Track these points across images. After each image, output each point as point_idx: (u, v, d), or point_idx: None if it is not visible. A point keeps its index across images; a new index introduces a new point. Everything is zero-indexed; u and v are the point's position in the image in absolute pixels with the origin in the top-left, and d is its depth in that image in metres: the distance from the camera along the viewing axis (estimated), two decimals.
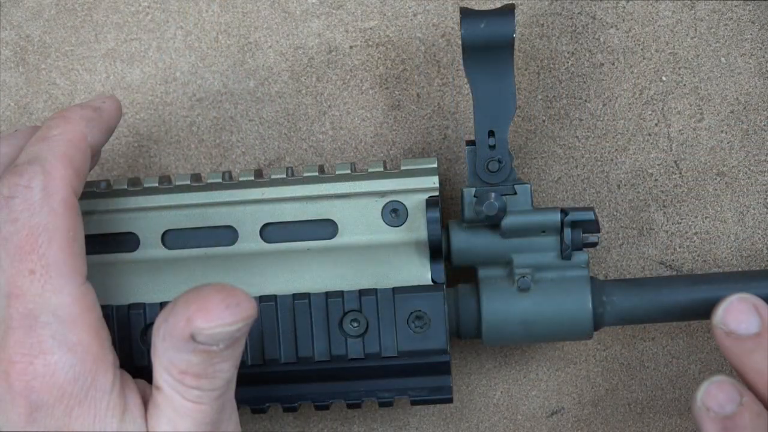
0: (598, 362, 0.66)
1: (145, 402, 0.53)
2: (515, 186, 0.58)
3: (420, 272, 0.58)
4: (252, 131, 0.65)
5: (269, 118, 0.65)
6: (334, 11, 0.64)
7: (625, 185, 0.65)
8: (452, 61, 0.64)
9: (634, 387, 0.66)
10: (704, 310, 0.59)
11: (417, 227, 0.58)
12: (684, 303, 0.59)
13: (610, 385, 0.66)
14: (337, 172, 0.59)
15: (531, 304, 0.58)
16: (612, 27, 0.64)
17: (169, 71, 0.65)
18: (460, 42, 0.61)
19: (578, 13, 0.64)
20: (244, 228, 0.59)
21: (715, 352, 0.65)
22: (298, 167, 0.65)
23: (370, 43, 0.64)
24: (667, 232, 0.65)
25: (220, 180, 0.59)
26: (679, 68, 0.64)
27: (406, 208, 0.58)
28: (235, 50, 0.65)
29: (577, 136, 0.64)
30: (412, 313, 0.57)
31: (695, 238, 0.65)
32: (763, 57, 0.64)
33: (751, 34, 0.64)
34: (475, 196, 0.58)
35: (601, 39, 0.64)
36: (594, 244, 0.59)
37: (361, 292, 0.57)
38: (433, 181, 0.58)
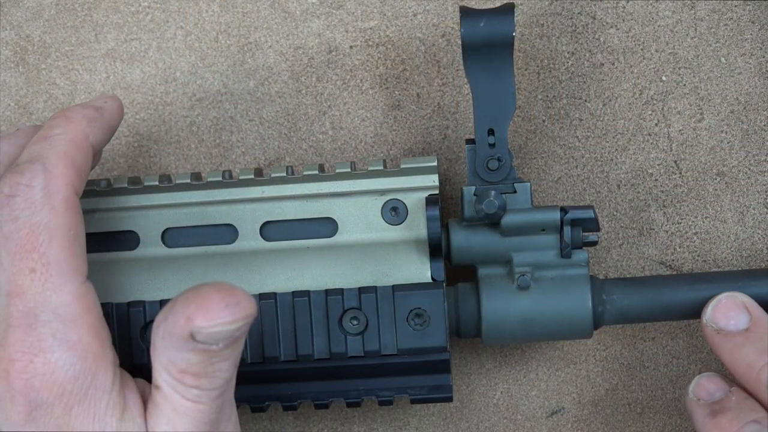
0: (598, 362, 0.66)
1: (145, 401, 0.53)
2: (515, 184, 0.58)
3: (420, 270, 0.58)
4: (252, 131, 0.65)
5: (269, 118, 0.65)
6: (334, 11, 0.64)
7: (625, 185, 0.65)
8: (452, 61, 0.64)
9: (634, 387, 0.66)
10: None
11: (417, 225, 0.58)
12: (684, 302, 0.59)
13: (610, 385, 0.66)
14: (336, 171, 0.59)
15: (531, 302, 0.58)
16: (612, 27, 0.64)
17: (169, 71, 0.65)
18: (460, 42, 0.61)
19: (578, 13, 0.64)
20: (244, 226, 0.59)
21: None
22: (298, 167, 0.65)
23: (370, 43, 0.65)
24: (667, 232, 0.65)
25: (220, 178, 0.59)
26: (679, 68, 0.64)
27: (406, 207, 0.58)
28: (235, 50, 0.65)
29: (577, 136, 0.64)
30: (411, 310, 0.57)
31: (695, 238, 0.65)
32: (763, 57, 0.64)
33: (751, 34, 0.64)
34: (474, 194, 0.58)
35: (601, 39, 0.64)
36: (594, 243, 0.59)
37: (361, 290, 0.57)
38: (433, 180, 0.58)
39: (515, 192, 0.58)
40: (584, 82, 0.64)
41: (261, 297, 0.58)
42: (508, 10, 0.56)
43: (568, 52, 0.64)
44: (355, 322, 0.58)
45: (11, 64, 0.65)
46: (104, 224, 0.59)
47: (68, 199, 0.52)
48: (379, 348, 0.58)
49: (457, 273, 0.61)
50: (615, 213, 0.65)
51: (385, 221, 0.58)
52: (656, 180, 0.65)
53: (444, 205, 0.64)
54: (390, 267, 0.58)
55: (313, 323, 0.58)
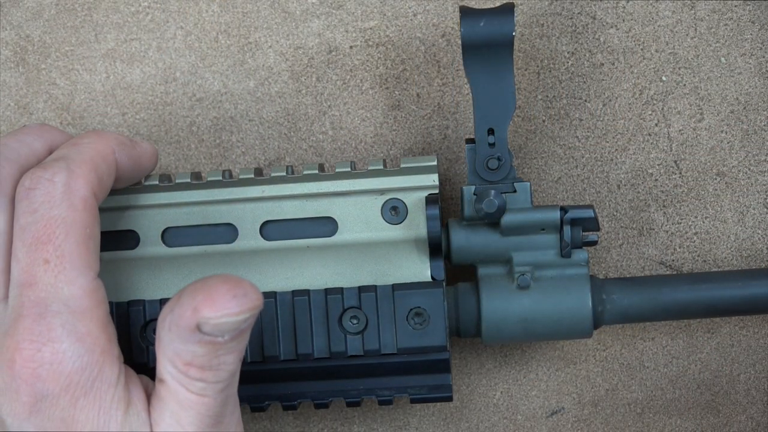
0: (598, 362, 0.66)
1: (148, 397, 0.53)
2: (515, 184, 0.58)
3: (419, 269, 0.58)
4: (252, 131, 0.65)
5: (269, 118, 0.65)
6: (334, 11, 0.65)
7: (625, 185, 0.65)
8: (452, 61, 0.64)
9: (634, 387, 0.66)
10: (704, 309, 0.59)
11: (416, 224, 0.58)
12: (684, 302, 0.59)
13: (610, 385, 0.66)
14: (336, 171, 0.59)
15: (531, 302, 0.58)
16: (612, 27, 0.64)
17: (169, 71, 0.65)
18: (460, 42, 0.61)
19: (578, 13, 0.64)
20: (244, 225, 0.59)
21: (715, 352, 0.65)
22: (298, 166, 0.65)
23: (370, 43, 0.65)
24: (667, 232, 0.65)
25: (220, 178, 0.59)
26: (679, 68, 0.64)
27: (406, 206, 0.58)
28: (235, 50, 0.65)
29: (577, 136, 0.64)
30: (411, 309, 0.57)
31: (695, 238, 0.65)
32: (763, 57, 0.64)
33: (751, 34, 0.64)
34: (474, 193, 0.58)
35: (601, 39, 0.64)
36: (594, 242, 0.59)
37: (361, 289, 0.57)
38: (433, 179, 0.58)
39: (515, 192, 0.58)
40: (584, 82, 0.64)
41: None
42: (508, 10, 0.57)
43: (568, 52, 0.64)
44: (354, 322, 0.58)
45: (11, 64, 0.65)
46: (105, 223, 0.59)
47: (87, 200, 0.52)
48: (379, 347, 0.58)
49: (457, 272, 0.61)
50: (615, 213, 0.65)
51: (385, 221, 0.58)
52: (656, 180, 0.64)
53: (444, 205, 0.64)
54: (390, 266, 0.58)
55: (313, 322, 0.58)
